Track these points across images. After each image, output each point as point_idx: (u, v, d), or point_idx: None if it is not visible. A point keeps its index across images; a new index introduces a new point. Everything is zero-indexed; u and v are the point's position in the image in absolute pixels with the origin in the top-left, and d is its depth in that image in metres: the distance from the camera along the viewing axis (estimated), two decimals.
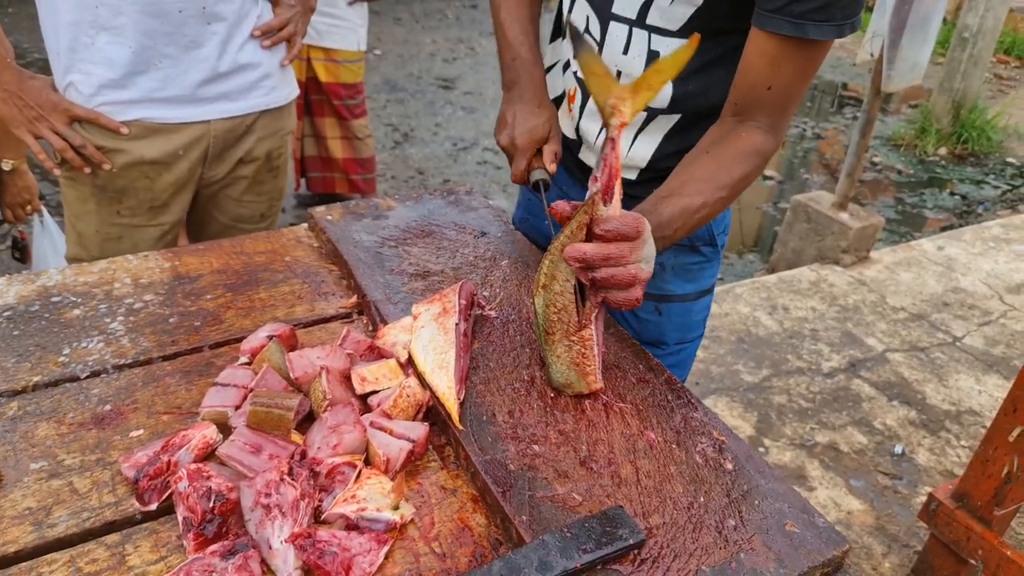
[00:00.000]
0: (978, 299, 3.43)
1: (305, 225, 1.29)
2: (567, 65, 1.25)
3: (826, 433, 2.53)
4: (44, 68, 1.44)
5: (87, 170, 1.39)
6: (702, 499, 0.80)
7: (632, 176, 1.23)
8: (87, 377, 0.91)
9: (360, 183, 3.72)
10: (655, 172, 1.19)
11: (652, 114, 1.15)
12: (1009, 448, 1.72)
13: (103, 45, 1.32)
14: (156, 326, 1.01)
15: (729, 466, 0.84)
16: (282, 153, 1.61)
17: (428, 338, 0.94)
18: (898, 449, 2.48)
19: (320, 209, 1.27)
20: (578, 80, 1.21)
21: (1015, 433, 1.71)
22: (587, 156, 1.26)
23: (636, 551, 0.72)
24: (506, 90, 1.23)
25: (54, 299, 1.04)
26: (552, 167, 1.17)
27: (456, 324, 0.94)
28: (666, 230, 0.97)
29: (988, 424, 1.84)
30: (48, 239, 2.12)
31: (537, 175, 1.17)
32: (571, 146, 1.28)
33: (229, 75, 1.42)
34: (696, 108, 1.12)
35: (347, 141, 3.67)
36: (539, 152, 1.18)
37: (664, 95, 1.11)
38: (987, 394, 2.78)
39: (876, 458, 2.44)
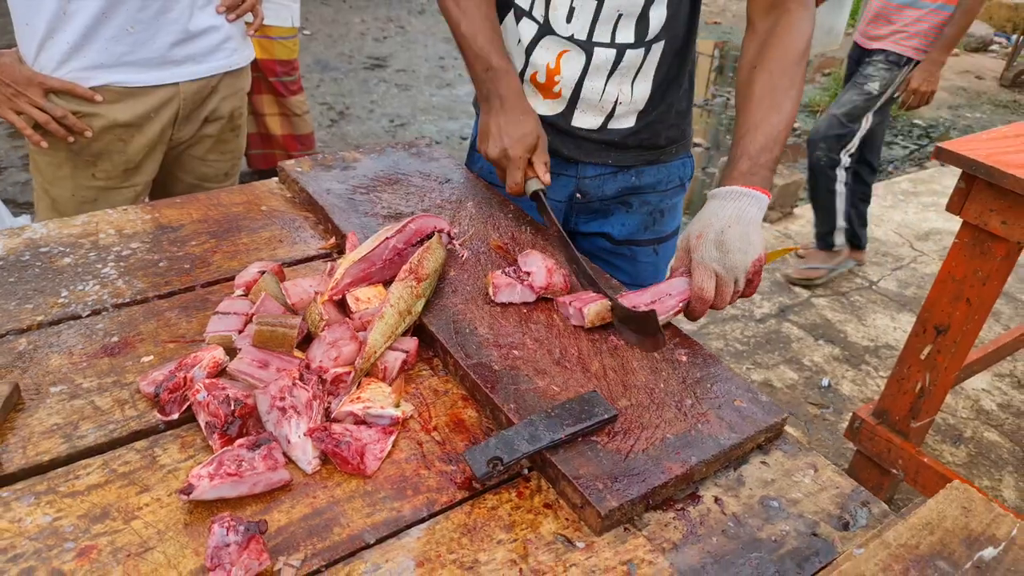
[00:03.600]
0: (891, 247, 3.71)
1: (275, 179, 1.35)
2: (531, 45, 1.24)
3: (761, 372, 2.73)
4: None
5: (70, 139, 1.41)
6: (662, 385, 0.92)
7: (631, 123, 1.26)
8: (89, 315, 0.97)
9: None
10: (653, 112, 1.26)
11: (648, 47, 1.19)
12: (921, 365, 1.93)
13: (74, 11, 1.34)
14: (147, 269, 1.06)
15: (683, 359, 0.97)
16: (243, 112, 1.66)
17: (364, 245, 1.03)
18: (824, 382, 2.71)
19: (290, 162, 1.33)
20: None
21: (925, 351, 1.92)
22: (579, 118, 1.27)
23: (610, 425, 0.84)
24: (483, 101, 1.20)
25: (43, 249, 1.08)
26: (547, 178, 1.16)
27: (387, 238, 1.02)
28: (762, 159, 1.04)
29: None
30: None
31: (533, 185, 1.16)
32: (554, 122, 1.28)
33: (196, 38, 1.46)
34: (677, 34, 1.20)
35: (285, 118, 3.67)
36: (530, 162, 1.17)
37: (658, 20, 1.17)
38: (901, 330, 3.04)
39: (806, 391, 2.65)
